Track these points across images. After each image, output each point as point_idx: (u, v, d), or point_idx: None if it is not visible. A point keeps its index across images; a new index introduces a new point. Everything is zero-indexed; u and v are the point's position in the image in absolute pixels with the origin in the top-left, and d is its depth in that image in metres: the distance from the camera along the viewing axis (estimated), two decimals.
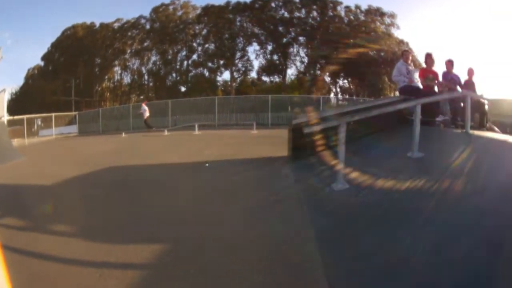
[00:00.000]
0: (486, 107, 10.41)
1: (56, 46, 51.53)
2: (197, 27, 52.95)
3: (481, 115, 10.23)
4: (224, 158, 10.14)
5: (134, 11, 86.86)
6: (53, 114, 29.10)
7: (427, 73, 10.20)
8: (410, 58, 10.18)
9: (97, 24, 52.74)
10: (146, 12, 54.61)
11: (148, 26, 52.85)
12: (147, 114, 24.11)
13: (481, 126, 10.10)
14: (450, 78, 10.25)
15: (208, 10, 52.22)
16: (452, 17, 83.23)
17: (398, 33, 52.51)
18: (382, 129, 8.62)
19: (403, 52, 10.62)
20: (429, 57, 10.22)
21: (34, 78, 50.26)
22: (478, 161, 5.70)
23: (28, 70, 50.94)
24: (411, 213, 4.21)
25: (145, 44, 52.41)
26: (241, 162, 9.52)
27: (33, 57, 65.43)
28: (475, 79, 11.07)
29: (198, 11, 52.97)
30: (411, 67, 9.87)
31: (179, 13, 53.10)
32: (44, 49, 51.56)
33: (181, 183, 7.31)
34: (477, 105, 9.88)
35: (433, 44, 78.55)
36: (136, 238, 4.60)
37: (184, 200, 6.10)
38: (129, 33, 52.47)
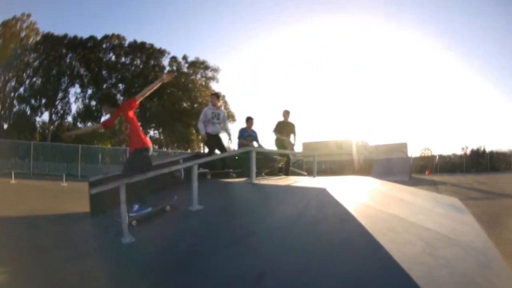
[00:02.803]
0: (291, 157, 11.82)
1: None
2: (32, 56, 50.10)
3: (286, 163, 11.66)
4: (35, 213, 10.03)
5: None
6: None
7: None
8: (218, 103, 10.50)
9: None
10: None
11: None
12: None
13: (280, 172, 11.46)
14: (247, 135, 11.24)
15: (47, 38, 50.03)
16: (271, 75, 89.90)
17: (216, 86, 55.22)
18: (174, 183, 9.23)
19: (211, 96, 11.13)
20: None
21: None
22: (254, 207, 6.60)
23: None
24: (188, 264, 4.67)
25: None
26: (49, 218, 9.56)
27: None
28: (292, 119, 12.10)
29: (39, 38, 50.37)
30: (218, 111, 10.28)
31: (23, 34, 49.67)
32: None
33: None
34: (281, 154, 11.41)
35: (250, 99, 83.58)
36: None
37: None
38: None
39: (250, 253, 4.44)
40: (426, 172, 39.01)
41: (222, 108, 10.62)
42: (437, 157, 46.66)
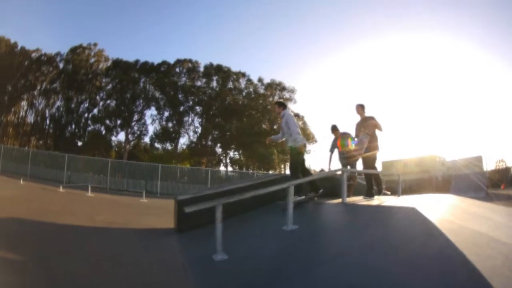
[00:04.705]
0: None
1: None
2: (104, 80, 52.95)
3: (369, 181, 9.54)
4: (115, 226, 10.06)
5: (54, 44, 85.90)
6: None
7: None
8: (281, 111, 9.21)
9: (19, 46, 51.64)
10: (64, 48, 54.26)
11: (62, 66, 52.02)
12: None
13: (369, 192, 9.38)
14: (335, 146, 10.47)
15: (117, 64, 52.75)
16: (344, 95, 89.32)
17: (294, 107, 54.82)
18: (266, 203, 9.37)
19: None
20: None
21: None
22: (347, 226, 6.75)
23: None
24: (285, 281, 4.59)
25: (54, 85, 51.41)
26: (131, 232, 9.49)
27: None
28: (370, 112, 9.76)
29: (109, 63, 53.52)
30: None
31: (92, 60, 53.19)
32: None
33: (75, 247, 7.01)
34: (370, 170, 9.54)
35: (327, 118, 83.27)
36: None
37: (78, 264, 5.85)
38: (43, 68, 51.28)
39: (344, 271, 4.42)
40: (502, 186, 37.31)
41: (288, 111, 9.28)
42: None
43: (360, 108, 9.81)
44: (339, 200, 8.39)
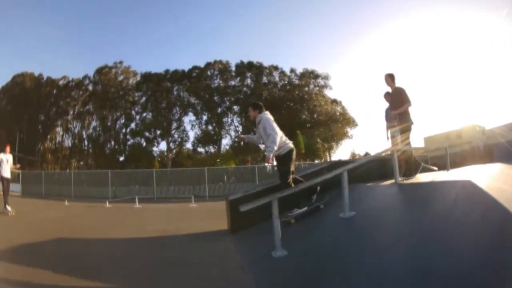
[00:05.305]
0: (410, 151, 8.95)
1: (5, 91, 53.07)
2: (136, 94, 54.39)
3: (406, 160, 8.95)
4: (168, 233, 9.80)
5: (80, 69, 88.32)
6: None
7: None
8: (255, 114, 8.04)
9: (45, 77, 54.54)
10: (91, 71, 56.22)
11: (91, 88, 54.36)
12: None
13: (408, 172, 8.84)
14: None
15: (147, 77, 53.96)
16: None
17: (330, 93, 54.28)
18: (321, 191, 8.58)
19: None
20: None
21: None
22: (404, 207, 6.50)
23: None
24: (349, 270, 4.43)
25: (87, 107, 53.66)
26: (185, 237, 9.30)
27: None
28: (400, 83, 9.12)
29: (138, 78, 55.00)
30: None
31: (120, 77, 55.18)
32: None
33: (131, 260, 6.87)
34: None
35: (363, 101, 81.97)
36: None
37: (138, 276, 5.76)
38: (73, 93, 53.75)
39: (414, 252, 4.20)
40: None
41: (265, 115, 7.89)
42: None
43: (389, 78, 9.17)
44: (392, 181, 8.18)
